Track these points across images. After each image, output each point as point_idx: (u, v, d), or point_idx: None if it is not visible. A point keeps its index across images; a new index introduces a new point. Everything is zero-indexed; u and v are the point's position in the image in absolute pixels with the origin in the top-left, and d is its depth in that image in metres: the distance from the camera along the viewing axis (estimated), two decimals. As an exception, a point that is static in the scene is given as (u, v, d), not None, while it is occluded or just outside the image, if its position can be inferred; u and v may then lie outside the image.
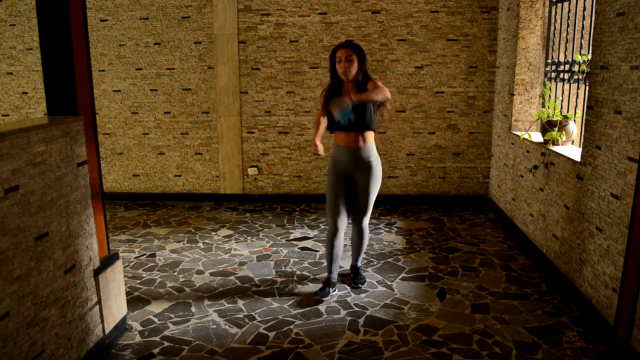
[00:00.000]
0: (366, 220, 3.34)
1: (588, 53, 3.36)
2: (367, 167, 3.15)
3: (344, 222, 3.28)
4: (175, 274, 3.66)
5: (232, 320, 2.98)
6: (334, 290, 3.33)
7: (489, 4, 5.01)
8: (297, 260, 3.88)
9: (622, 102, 2.59)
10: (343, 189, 3.22)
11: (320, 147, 3.24)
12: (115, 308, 2.76)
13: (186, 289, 3.41)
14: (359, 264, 3.53)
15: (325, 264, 3.76)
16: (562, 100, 4.01)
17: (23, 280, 2.01)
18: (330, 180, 3.23)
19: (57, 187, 2.24)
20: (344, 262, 3.74)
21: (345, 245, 3.89)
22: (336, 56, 3.04)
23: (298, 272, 3.65)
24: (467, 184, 5.38)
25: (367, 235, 3.40)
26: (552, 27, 4.22)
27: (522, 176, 4.22)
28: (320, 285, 3.40)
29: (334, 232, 3.27)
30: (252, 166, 5.48)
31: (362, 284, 3.41)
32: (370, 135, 3.14)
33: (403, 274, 3.59)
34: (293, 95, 5.32)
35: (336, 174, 3.21)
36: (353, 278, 3.46)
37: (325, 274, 3.52)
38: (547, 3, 4.30)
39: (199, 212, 5.20)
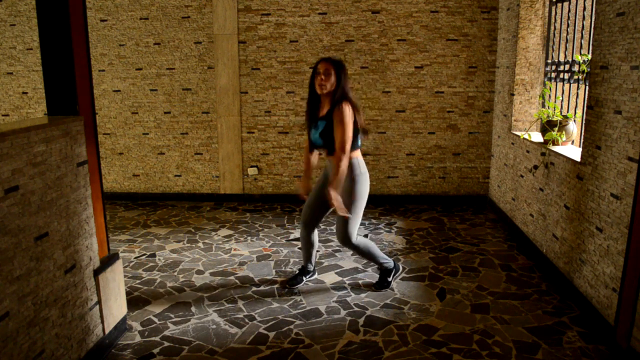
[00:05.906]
0: (351, 239, 3.11)
1: (588, 53, 3.36)
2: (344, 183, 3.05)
3: (314, 227, 3.33)
4: (175, 274, 3.66)
5: (232, 320, 2.98)
6: (310, 276, 3.48)
7: (489, 4, 5.01)
8: (297, 260, 3.88)
9: (622, 102, 2.59)
10: (321, 200, 3.20)
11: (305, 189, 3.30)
12: (115, 308, 2.76)
13: (186, 289, 3.41)
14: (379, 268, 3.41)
15: (326, 263, 3.78)
16: (562, 100, 4.01)
17: (23, 280, 2.01)
18: (316, 189, 3.28)
19: (57, 187, 2.24)
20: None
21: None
22: (316, 69, 3.00)
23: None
24: (467, 184, 5.38)
25: (363, 251, 3.22)
26: (552, 27, 4.22)
27: (522, 176, 4.22)
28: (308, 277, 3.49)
29: (305, 232, 3.38)
30: (252, 166, 5.48)
31: (387, 285, 3.35)
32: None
33: (403, 274, 3.59)
34: (293, 95, 5.32)
35: (321, 184, 3.24)
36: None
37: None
38: (547, 3, 4.30)
39: (199, 212, 5.20)
